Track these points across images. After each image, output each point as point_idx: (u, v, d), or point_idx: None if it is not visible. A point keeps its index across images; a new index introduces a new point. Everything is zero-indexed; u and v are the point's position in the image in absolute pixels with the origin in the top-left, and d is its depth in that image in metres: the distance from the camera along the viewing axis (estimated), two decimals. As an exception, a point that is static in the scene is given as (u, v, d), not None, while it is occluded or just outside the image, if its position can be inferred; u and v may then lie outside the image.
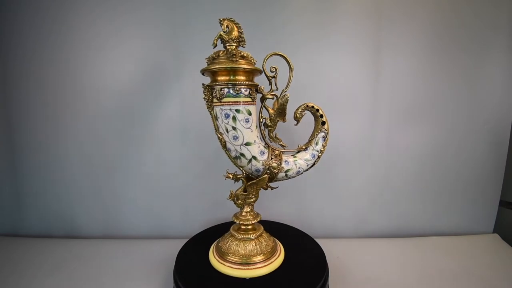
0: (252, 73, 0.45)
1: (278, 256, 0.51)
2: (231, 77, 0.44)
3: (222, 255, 0.50)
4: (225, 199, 0.71)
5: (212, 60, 0.44)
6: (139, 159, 0.71)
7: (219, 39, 0.43)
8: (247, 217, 0.51)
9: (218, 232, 0.60)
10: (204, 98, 0.46)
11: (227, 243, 0.51)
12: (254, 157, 0.47)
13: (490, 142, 0.72)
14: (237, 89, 0.44)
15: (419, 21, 0.67)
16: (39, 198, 0.72)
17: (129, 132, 0.70)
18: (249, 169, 0.48)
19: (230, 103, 0.44)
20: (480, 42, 0.68)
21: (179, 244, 0.57)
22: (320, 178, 0.73)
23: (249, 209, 0.52)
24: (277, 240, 0.55)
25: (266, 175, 0.48)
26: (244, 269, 0.47)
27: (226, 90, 0.44)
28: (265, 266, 0.48)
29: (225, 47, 0.44)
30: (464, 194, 0.74)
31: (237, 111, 0.45)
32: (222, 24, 0.43)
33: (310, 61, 0.67)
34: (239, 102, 0.45)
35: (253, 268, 0.48)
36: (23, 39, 0.66)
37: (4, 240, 0.70)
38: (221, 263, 0.49)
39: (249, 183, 0.50)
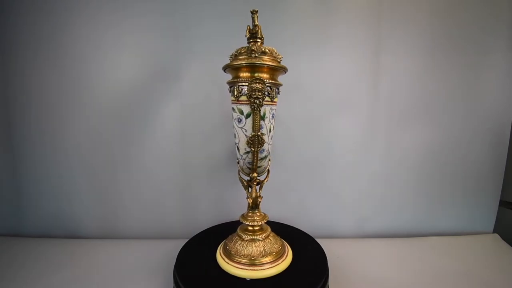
0: None
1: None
2: (277, 77, 0.46)
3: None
4: (225, 199, 0.72)
5: (262, 53, 0.42)
6: (139, 159, 0.70)
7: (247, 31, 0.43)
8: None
9: (218, 232, 0.60)
10: (258, 96, 0.41)
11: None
12: (269, 153, 0.49)
13: (490, 142, 0.73)
14: (279, 89, 0.47)
15: (418, 24, 0.67)
16: (39, 198, 0.71)
17: (129, 133, 0.69)
18: (265, 166, 0.50)
19: (276, 103, 0.46)
20: (479, 43, 0.68)
21: (179, 244, 0.57)
22: (320, 178, 0.73)
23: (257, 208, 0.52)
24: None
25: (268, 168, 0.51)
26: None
27: (276, 89, 0.45)
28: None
29: (250, 42, 0.44)
30: (464, 194, 0.74)
31: (275, 111, 0.47)
32: (256, 15, 0.42)
33: (311, 64, 0.68)
34: (276, 102, 0.47)
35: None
36: (25, 40, 0.65)
37: (4, 240, 0.70)
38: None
39: (264, 181, 0.52)
